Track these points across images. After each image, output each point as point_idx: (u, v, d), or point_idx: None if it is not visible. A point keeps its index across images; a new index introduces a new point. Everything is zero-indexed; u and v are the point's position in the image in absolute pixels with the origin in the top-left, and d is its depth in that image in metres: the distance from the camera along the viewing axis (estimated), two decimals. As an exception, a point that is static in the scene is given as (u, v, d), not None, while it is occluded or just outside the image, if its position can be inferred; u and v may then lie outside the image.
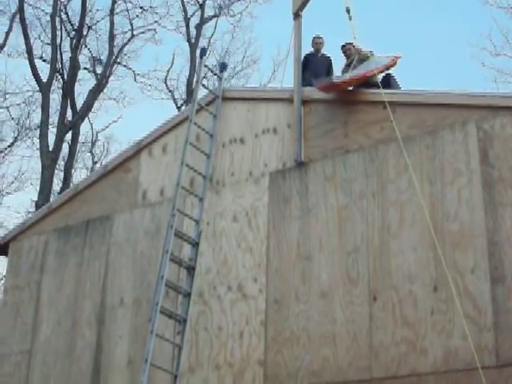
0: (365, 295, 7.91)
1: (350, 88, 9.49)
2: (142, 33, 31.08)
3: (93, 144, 33.43)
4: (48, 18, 28.39)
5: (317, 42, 12.65)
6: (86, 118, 29.37)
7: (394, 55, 10.58)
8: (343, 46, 11.80)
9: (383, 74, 10.67)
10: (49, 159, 25.34)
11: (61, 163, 28.18)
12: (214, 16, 31.50)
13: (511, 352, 6.90)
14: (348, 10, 9.82)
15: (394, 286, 7.75)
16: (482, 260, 7.32)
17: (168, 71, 31.50)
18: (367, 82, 9.73)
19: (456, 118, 7.99)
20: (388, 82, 10.76)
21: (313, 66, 10.75)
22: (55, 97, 28.19)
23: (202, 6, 30.70)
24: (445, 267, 7.34)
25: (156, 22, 31.04)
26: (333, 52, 12.09)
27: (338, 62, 12.20)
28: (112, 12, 29.34)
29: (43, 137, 25.88)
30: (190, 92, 27.47)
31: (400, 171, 8.12)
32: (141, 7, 30.34)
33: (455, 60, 45.70)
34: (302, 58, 10.10)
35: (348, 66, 11.53)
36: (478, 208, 7.52)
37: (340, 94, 9.21)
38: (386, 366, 7.52)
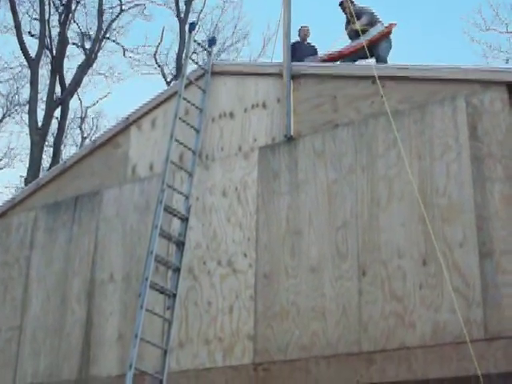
0: (354, 270, 7.93)
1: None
2: (131, 8, 30.97)
3: (82, 120, 33.43)
4: (36, -8, 28.25)
5: (303, 30, 13.16)
6: (75, 94, 29.33)
7: (389, 23, 11.41)
8: (341, 3, 12.47)
9: None
10: (38, 135, 25.31)
11: (50, 139, 28.18)
12: (204, -10, 31.38)
13: (499, 325, 6.93)
14: None
15: (383, 260, 7.77)
16: (471, 234, 7.34)
17: (157, 46, 31.47)
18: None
19: (445, 93, 7.98)
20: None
21: (299, 54, 11.00)
22: (44, 72, 28.14)
23: (191, -19, 30.57)
24: (434, 242, 7.36)
25: (145, -4, 30.93)
26: (319, 33, 12.68)
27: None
28: (101, -14, 29.20)
29: (32, 113, 25.82)
30: (180, 67, 27.39)
31: (389, 146, 8.12)
32: (130, -18, 30.23)
33: (445, 34, 45.62)
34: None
35: (348, 23, 12.22)
36: (466, 183, 7.53)
37: (330, 68, 9.23)
38: (375, 339, 7.55)
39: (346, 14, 12.79)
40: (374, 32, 11.96)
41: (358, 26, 11.67)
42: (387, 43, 12.16)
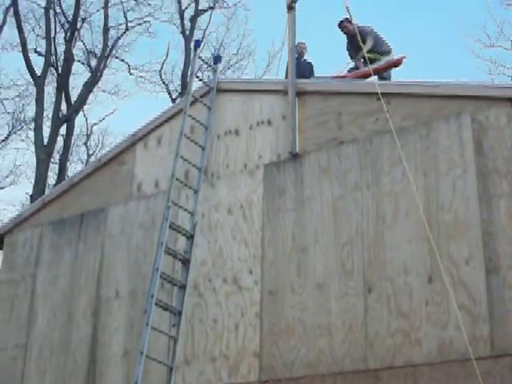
0: (360, 286, 7.92)
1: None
2: (137, 25, 31.05)
3: (88, 137, 33.47)
4: (42, 10, 28.38)
5: (300, 47, 13.15)
6: (81, 111, 29.38)
7: (400, 56, 12.16)
8: (340, 23, 12.41)
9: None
10: (44, 153, 25.34)
11: (56, 156, 28.18)
12: (209, 8, 31.48)
13: (506, 342, 6.91)
14: None
15: (388, 277, 7.75)
16: (477, 251, 7.33)
17: (163, 64, 31.51)
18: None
19: (450, 109, 7.98)
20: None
21: (296, 70, 10.97)
22: (50, 90, 28.20)
23: (196, -2, 30.68)
24: (439, 258, 7.35)
25: (150, 14, 31.03)
26: (318, 52, 12.81)
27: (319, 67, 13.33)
28: (106, 4, 29.32)
29: (38, 130, 25.88)
30: (185, 84, 27.44)
31: (394, 162, 8.12)
32: (135, 0, 30.34)
33: (450, 51, 45.70)
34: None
35: (350, 42, 12.12)
36: (472, 199, 7.52)
37: (334, 85, 9.26)
38: (381, 356, 7.53)
39: (346, 34, 12.72)
40: (382, 61, 11.94)
41: (365, 51, 11.45)
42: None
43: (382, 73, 11.90)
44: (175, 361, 8.38)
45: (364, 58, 11.47)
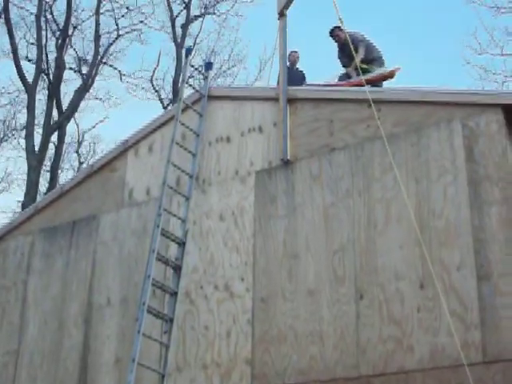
0: (351, 293, 7.92)
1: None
2: (128, 32, 31.07)
3: (79, 144, 33.48)
4: (33, 18, 28.36)
5: (293, 56, 13.15)
6: (72, 119, 29.39)
7: (394, 67, 12.22)
8: (332, 31, 12.42)
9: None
10: (35, 160, 25.30)
11: (47, 164, 28.18)
12: (200, 15, 31.52)
13: (498, 349, 6.91)
14: None
15: (380, 283, 7.75)
16: (468, 257, 7.33)
17: (154, 71, 31.55)
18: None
19: (441, 116, 8.00)
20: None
21: (288, 79, 10.99)
22: (41, 97, 28.18)
23: (187, 6, 30.72)
24: (430, 265, 7.35)
25: (142, 21, 31.08)
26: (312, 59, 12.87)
27: (310, 74, 13.48)
28: (97, 12, 29.32)
29: (29, 137, 25.84)
30: (176, 91, 27.45)
31: (386, 169, 8.13)
32: (126, 7, 30.38)
33: (440, 58, 45.82)
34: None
35: (341, 50, 12.13)
36: (463, 205, 7.53)
37: (326, 92, 9.27)
38: (373, 363, 7.52)
39: (337, 42, 12.74)
40: (376, 73, 11.95)
41: (358, 61, 11.45)
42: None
43: (375, 83, 11.90)
44: (167, 368, 8.37)
45: (357, 67, 11.50)
